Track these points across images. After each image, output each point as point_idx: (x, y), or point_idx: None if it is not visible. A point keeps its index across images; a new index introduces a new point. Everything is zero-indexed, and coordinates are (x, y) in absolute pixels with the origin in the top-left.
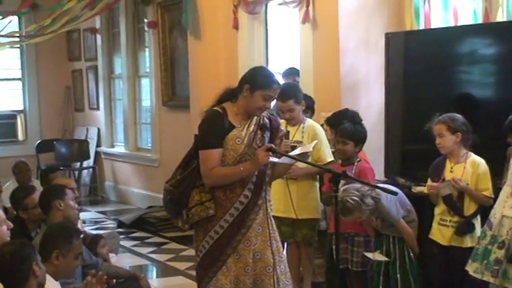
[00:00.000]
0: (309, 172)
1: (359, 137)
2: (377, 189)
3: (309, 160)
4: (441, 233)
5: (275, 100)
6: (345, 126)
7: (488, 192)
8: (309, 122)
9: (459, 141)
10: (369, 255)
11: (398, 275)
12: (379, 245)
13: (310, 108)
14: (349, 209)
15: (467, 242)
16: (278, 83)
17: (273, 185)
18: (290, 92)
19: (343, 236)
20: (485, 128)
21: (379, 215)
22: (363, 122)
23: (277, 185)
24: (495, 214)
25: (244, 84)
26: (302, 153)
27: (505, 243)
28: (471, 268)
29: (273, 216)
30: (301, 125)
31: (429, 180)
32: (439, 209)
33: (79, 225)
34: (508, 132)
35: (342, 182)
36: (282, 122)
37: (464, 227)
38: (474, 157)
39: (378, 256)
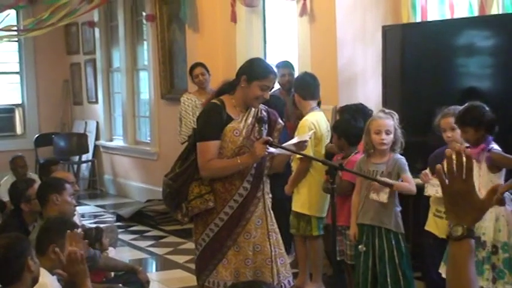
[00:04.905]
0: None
1: (348, 132)
2: None
3: None
4: (436, 224)
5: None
6: (337, 121)
7: None
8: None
9: None
10: None
11: (387, 270)
12: (363, 237)
13: None
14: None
15: None
16: (274, 73)
17: None
18: None
19: (337, 229)
20: None
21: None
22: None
23: None
24: None
25: (241, 75)
26: (299, 142)
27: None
28: (443, 270)
29: None
30: None
31: (428, 169)
32: (434, 200)
33: (76, 219)
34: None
35: None
36: None
37: None
38: None
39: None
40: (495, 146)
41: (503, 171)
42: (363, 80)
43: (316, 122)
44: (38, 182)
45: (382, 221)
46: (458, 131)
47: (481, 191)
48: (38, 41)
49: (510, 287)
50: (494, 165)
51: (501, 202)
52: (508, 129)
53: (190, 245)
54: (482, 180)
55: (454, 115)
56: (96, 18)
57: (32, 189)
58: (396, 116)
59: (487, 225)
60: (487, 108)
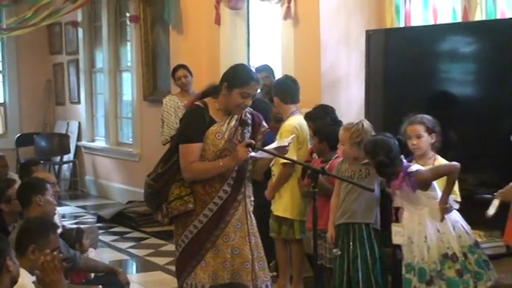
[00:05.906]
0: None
1: (330, 136)
2: None
3: None
4: None
5: None
6: (319, 124)
7: (455, 195)
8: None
9: (433, 142)
10: None
11: (360, 275)
12: (338, 241)
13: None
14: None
15: None
16: (257, 80)
17: None
18: None
19: (317, 233)
20: (463, 125)
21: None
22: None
23: None
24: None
25: (223, 82)
26: (280, 147)
27: (415, 268)
28: None
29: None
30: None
31: None
32: None
33: (56, 220)
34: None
35: None
36: None
37: None
38: (440, 160)
39: None
40: (413, 168)
41: (433, 183)
42: (346, 83)
43: (299, 125)
44: (19, 182)
45: (364, 215)
46: (423, 139)
47: (424, 210)
48: (20, 40)
49: (491, 283)
50: (422, 185)
51: (449, 210)
52: (491, 135)
53: (170, 246)
54: (422, 201)
55: (420, 122)
56: (79, 18)
57: (12, 190)
58: (360, 124)
59: (449, 237)
60: (391, 147)
